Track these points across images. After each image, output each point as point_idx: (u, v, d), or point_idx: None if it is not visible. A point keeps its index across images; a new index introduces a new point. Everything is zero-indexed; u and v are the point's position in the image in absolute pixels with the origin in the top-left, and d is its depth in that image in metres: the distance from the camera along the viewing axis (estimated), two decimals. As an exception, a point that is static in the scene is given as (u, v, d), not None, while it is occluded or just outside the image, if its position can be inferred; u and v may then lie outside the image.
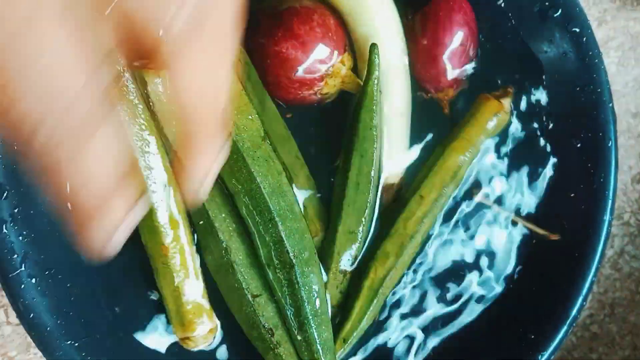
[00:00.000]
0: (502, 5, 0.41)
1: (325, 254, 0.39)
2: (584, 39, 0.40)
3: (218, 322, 0.40)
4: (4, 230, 0.34)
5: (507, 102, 0.41)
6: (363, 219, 0.39)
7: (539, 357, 0.38)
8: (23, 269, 0.34)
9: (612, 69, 0.50)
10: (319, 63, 0.38)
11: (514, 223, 0.42)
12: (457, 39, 0.39)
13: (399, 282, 0.41)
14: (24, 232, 0.35)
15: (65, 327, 0.36)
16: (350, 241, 0.39)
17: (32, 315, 0.34)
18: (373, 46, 0.38)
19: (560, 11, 0.40)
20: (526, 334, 0.39)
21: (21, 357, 0.46)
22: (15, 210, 0.35)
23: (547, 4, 0.40)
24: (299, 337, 0.38)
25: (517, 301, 0.41)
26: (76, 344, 0.36)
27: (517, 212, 0.42)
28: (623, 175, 0.50)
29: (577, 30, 0.40)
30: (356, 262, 0.39)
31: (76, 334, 0.36)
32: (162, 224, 0.37)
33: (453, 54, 0.39)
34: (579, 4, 0.40)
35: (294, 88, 0.38)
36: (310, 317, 0.38)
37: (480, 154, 0.41)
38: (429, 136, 0.42)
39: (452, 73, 0.40)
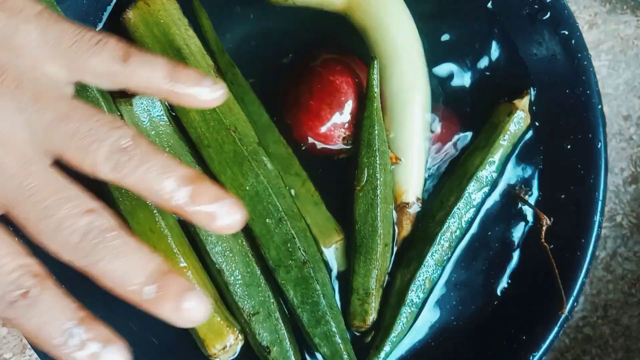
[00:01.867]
0: (491, 8, 0.42)
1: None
2: (573, 41, 0.40)
3: (238, 331, 0.40)
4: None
5: (521, 103, 0.41)
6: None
7: (531, 357, 0.39)
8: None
9: (603, 72, 0.50)
10: (340, 125, 0.40)
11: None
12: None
13: (434, 285, 0.41)
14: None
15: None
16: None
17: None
18: (372, 60, 0.40)
19: (549, 14, 0.40)
20: (518, 335, 0.40)
21: (16, 358, 0.47)
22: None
23: (536, 7, 0.40)
24: (317, 331, 0.39)
25: (510, 303, 0.41)
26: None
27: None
28: (615, 178, 0.50)
29: (566, 32, 0.40)
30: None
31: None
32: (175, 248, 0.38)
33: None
34: (568, 7, 0.40)
35: (319, 138, 0.40)
36: (327, 310, 0.39)
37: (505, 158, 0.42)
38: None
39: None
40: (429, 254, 0.40)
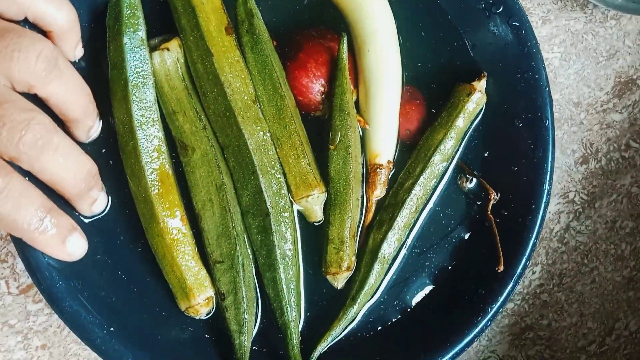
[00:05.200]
0: (441, 3, 0.47)
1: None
2: (523, 31, 0.45)
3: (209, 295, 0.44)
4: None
5: (479, 84, 0.46)
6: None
7: (489, 309, 0.43)
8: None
9: (556, 63, 0.56)
10: (321, 80, 0.46)
11: (468, 194, 0.47)
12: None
13: (402, 245, 0.46)
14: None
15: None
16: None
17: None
18: (341, 36, 0.46)
19: (502, 7, 0.46)
20: (477, 290, 0.44)
21: (21, 325, 0.50)
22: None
23: (490, 1, 0.46)
24: (267, 275, 0.44)
25: (470, 261, 0.46)
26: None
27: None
28: (567, 159, 0.55)
29: (517, 24, 0.45)
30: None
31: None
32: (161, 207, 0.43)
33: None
34: (518, 1, 0.45)
35: (302, 87, 0.46)
36: (279, 260, 0.43)
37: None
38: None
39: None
40: (399, 217, 0.45)
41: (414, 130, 0.47)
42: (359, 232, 0.46)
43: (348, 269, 0.44)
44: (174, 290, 0.43)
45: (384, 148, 0.45)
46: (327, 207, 0.45)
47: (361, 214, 0.46)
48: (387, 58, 0.45)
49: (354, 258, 0.45)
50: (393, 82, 0.46)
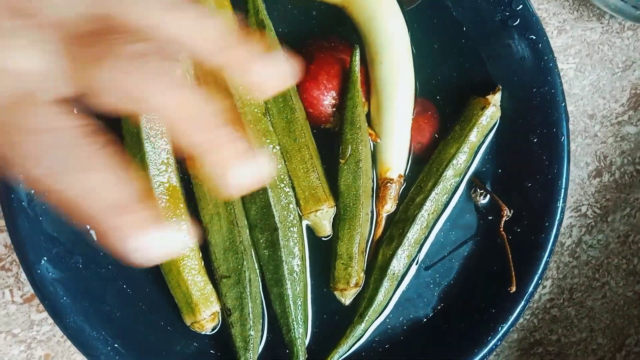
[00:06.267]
0: (456, 15, 0.46)
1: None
2: (540, 45, 0.44)
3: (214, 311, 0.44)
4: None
5: (493, 98, 0.45)
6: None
7: (499, 329, 0.43)
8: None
9: (571, 74, 0.55)
10: (331, 92, 0.45)
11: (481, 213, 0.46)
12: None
13: (412, 261, 0.45)
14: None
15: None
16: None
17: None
18: (354, 48, 0.45)
19: (518, 20, 0.44)
20: (488, 308, 0.44)
21: (24, 334, 0.50)
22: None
23: (507, 13, 0.45)
24: (274, 290, 0.43)
25: (481, 279, 0.45)
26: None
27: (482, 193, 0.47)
28: (580, 172, 0.54)
29: (534, 37, 0.44)
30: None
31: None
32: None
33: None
34: (536, 14, 0.44)
35: (312, 99, 0.45)
36: (286, 275, 0.43)
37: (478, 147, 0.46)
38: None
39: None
40: (409, 232, 0.44)
41: (426, 143, 0.46)
42: (368, 247, 0.45)
43: (356, 285, 0.44)
44: (179, 305, 0.43)
45: (395, 162, 0.45)
46: (336, 222, 0.44)
47: (371, 229, 0.45)
48: (400, 70, 0.45)
49: (362, 274, 0.44)
50: (406, 95, 0.45)
